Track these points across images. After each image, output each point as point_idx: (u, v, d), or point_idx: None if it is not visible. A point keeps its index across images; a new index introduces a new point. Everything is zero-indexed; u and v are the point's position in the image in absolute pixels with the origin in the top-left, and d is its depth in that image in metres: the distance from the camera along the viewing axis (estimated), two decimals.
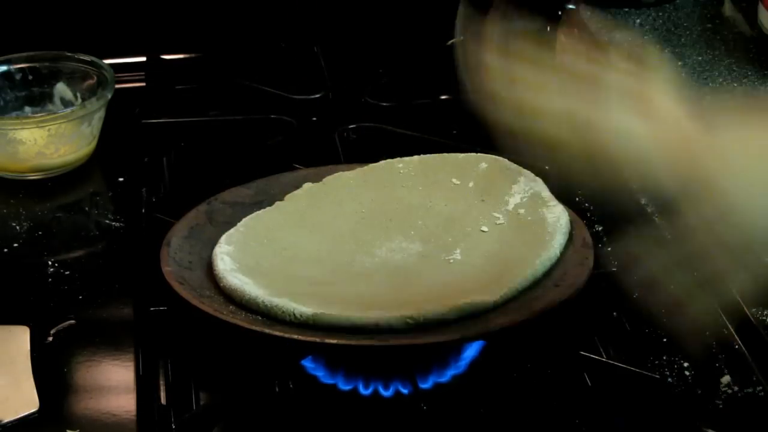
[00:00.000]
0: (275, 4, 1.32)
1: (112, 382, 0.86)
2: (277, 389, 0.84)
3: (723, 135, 0.78)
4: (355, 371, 0.84)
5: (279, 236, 0.93)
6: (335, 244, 0.93)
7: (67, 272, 0.96)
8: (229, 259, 0.89)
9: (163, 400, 0.83)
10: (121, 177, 1.09)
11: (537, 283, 0.87)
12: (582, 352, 0.85)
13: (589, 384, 0.84)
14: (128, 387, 0.84)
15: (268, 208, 0.97)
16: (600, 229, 1.01)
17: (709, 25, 1.31)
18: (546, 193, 0.95)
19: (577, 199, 1.05)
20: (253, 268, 0.89)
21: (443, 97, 1.24)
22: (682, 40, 1.28)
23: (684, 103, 0.80)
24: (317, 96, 1.21)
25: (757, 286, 0.79)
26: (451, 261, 0.90)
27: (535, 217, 0.93)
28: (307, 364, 0.84)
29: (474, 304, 0.83)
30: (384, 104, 1.20)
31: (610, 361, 0.85)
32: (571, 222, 0.93)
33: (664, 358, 0.87)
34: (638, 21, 1.33)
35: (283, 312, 0.83)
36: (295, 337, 0.81)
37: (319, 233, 0.94)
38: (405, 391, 0.83)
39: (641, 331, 0.89)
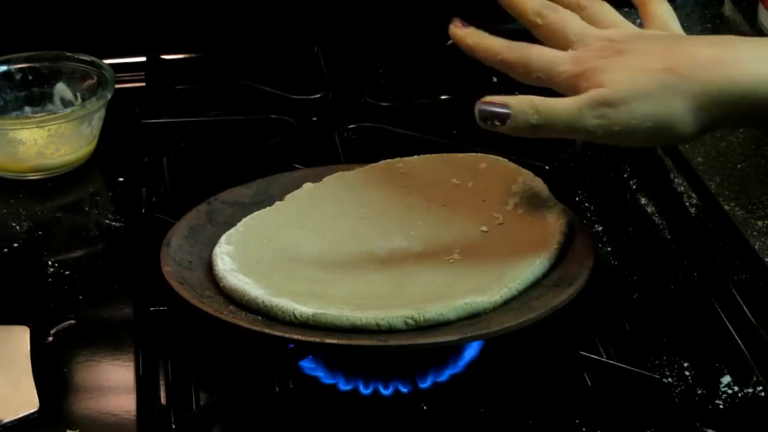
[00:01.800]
0: (275, 4, 1.32)
1: (112, 382, 0.86)
2: (277, 389, 0.84)
3: None
4: (355, 371, 0.84)
5: (279, 236, 0.93)
6: (335, 244, 0.93)
7: (67, 272, 0.96)
8: (229, 259, 0.89)
9: (163, 400, 0.83)
10: (121, 177, 1.09)
11: (537, 283, 0.87)
12: (582, 352, 0.85)
13: (589, 384, 0.84)
14: (128, 387, 0.84)
15: (268, 208, 0.97)
16: (600, 229, 1.01)
17: (709, 25, 1.31)
18: (546, 193, 0.95)
19: (577, 199, 1.05)
20: (253, 268, 0.89)
21: (443, 97, 1.24)
22: None
23: None
24: (317, 96, 1.21)
25: None
26: (451, 261, 0.90)
27: (535, 217, 0.93)
28: (307, 364, 0.85)
29: (474, 304, 0.84)
30: (384, 104, 1.20)
31: (610, 361, 0.85)
32: (571, 222, 0.92)
33: (664, 358, 0.87)
34: (638, 21, 1.33)
35: (283, 312, 0.83)
36: (295, 337, 0.81)
37: (319, 233, 0.94)
38: (405, 390, 0.83)
39: (641, 331, 0.90)
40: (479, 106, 0.82)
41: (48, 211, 1.05)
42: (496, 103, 0.81)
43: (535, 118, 0.80)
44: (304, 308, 0.83)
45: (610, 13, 0.88)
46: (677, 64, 0.79)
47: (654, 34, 0.86)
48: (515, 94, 0.82)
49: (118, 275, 0.96)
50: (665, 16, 0.87)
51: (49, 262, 0.97)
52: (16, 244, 1.00)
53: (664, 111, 0.78)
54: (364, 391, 0.83)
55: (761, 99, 0.78)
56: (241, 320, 0.83)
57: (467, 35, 0.88)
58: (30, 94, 1.14)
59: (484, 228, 0.93)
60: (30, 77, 1.14)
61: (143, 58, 1.26)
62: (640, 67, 0.80)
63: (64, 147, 1.08)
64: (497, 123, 0.81)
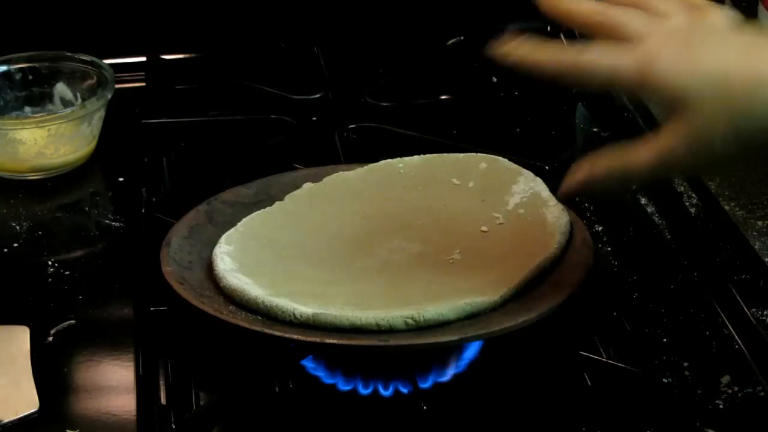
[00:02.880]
0: (275, 4, 1.32)
1: (112, 382, 0.86)
2: (277, 389, 0.84)
3: None
4: (355, 371, 0.84)
5: (279, 236, 0.93)
6: (335, 244, 0.93)
7: (67, 272, 0.96)
8: (229, 259, 0.89)
9: (163, 400, 0.83)
10: (121, 177, 1.09)
11: (537, 283, 0.87)
12: (582, 352, 0.85)
13: (589, 384, 0.84)
14: (128, 387, 0.84)
15: (268, 208, 0.97)
16: (600, 229, 1.01)
17: None
18: (546, 193, 0.95)
19: (577, 199, 1.05)
20: (253, 268, 0.89)
21: (443, 97, 1.25)
22: None
23: None
24: (317, 96, 1.21)
25: None
26: (451, 261, 0.90)
27: (535, 217, 0.93)
28: (308, 364, 0.84)
29: (474, 304, 0.83)
30: (384, 104, 1.21)
31: (610, 361, 0.85)
32: (571, 222, 0.92)
33: (664, 358, 0.87)
34: None
35: (283, 312, 0.83)
36: (295, 337, 0.81)
37: (319, 233, 0.94)
38: (405, 390, 0.83)
39: (641, 331, 0.90)
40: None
41: (48, 211, 1.05)
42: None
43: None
44: (304, 308, 0.83)
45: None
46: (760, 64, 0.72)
47: (718, 24, 0.77)
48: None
49: (118, 275, 0.96)
50: None
51: (49, 262, 0.97)
52: (16, 244, 1.00)
53: (748, 115, 0.72)
54: (364, 391, 0.83)
55: None
56: (241, 320, 0.83)
57: (510, 52, 0.78)
58: (30, 94, 1.14)
59: (484, 228, 0.93)
60: (30, 77, 1.14)
61: (143, 58, 1.26)
62: (717, 62, 0.73)
63: (64, 147, 1.08)
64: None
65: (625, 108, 1.17)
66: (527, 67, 0.77)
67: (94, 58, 1.13)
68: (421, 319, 0.82)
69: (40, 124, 1.07)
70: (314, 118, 1.19)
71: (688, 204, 1.01)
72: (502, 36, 0.79)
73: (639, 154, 0.75)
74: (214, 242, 0.92)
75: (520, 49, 0.77)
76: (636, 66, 0.74)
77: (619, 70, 0.75)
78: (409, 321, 0.82)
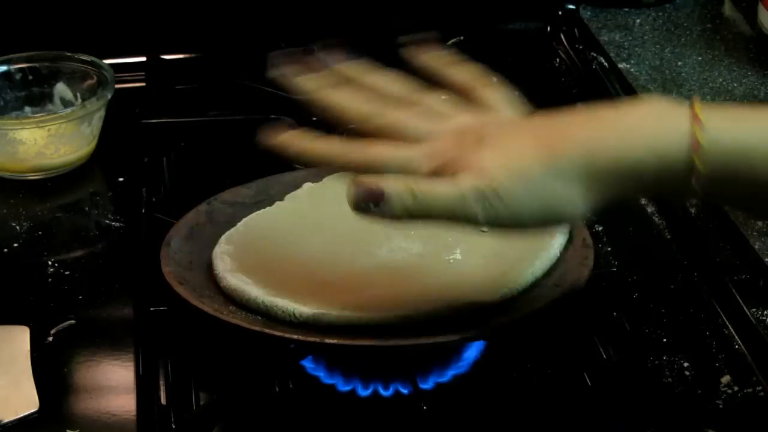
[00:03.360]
0: (275, 4, 1.32)
1: (112, 382, 0.86)
2: (277, 389, 0.84)
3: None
4: (355, 371, 0.84)
5: (279, 236, 0.93)
6: (335, 244, 0.93)
7: (67, 272, 0.96)
8: (229, 259, 0.89)
9: (163, 400, 0.83)
10: (121, 177, 1.09)
11: (537, 283, 0.87)
12: (582, 352, 0.85)
13: (589, 384, 0.84)
14: (128, 387, 0.84)
15: (268, 208, 0.97)
16: (600, 229, 1.01)
17: (709, 25, 1.31)
18: None
19: None
20: (253, 268, 0.89)
21: (443, 97, 1.24)
22: (682, 40, 1.28)
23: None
24: None
25: None
26: (451, 261, 0.90)
27: None
28: (308, 364, 0.84)
29: (474, 304, 0.83)
30: None
31: (610, 361, 0.85)
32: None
33: (664, 358, 0.87)
34: (638, 21, 1.33)
35: (283, 312, 0.83)
36: (295, 337, 0.81)
37: (319, 233, 0.94)
38: (405, 391, 0.83)
39: (641, 331, 0.90)
40: (353, 188, 0.73)
41: (48, 211, 1.05)
42: (371, 183, 0.72)
43: (410, 202, 0.71)
44: (304, 308, 0.83)
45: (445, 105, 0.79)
46: (553, 146, 0.71)
47: (507, 118, 0.78)
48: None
49: (118, 275, 0.96)
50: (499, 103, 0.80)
51: (49, 262, 0.97)
52: (16, 244, 1.00)
53: (551, 195, 0.71)
54: (364, 391, 0.83)
55: (650, 169, 0.70)
56: (241, 320, 0.83)
57: (287, 144, 0.79)
58: (30, 94, 1.14)
59: (484, 228, 0.93)
60: (30, 77, 1.14)
61: (143, 58, 1.26)
62: (514, 154, 0.72)
63: (64, 147, 1.08)
64: (371, 206, 0.72)
65: None
66: (310, 160, 0.78)
67: (94, 58, 1.13)
68: (421, 319, 0.82)
69: (40, 124, 1.07)
70: (314, 118, 1.18)
71: (688, 204, 1.01)
72: (274, 126, 0.79)
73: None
74: (214, 242, 0.92)
75: (300, 142, 0.78)
76: (428, 169, 0.73)
77: (410, 170, 0.73)
78: (409, 321, 0.82)
